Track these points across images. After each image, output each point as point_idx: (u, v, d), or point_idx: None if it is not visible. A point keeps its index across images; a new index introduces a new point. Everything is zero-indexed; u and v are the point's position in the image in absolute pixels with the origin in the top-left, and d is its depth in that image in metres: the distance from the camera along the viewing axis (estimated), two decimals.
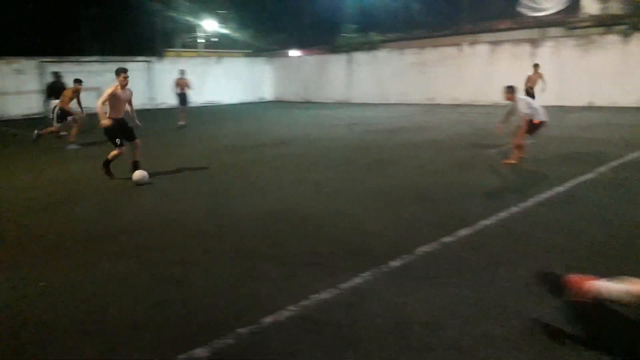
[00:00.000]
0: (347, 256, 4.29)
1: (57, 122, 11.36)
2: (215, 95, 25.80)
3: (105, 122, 7.28)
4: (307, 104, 25.03)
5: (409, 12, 27.13)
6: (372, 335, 2.99)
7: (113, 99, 7.32)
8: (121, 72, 7.45)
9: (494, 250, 4.32)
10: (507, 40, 19.84)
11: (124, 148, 7.56)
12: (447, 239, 4.59)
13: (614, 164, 7.63)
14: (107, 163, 7.67)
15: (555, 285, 3.58)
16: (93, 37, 25.20)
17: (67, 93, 11.30)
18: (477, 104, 19.70)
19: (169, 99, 23.68)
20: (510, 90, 7.96)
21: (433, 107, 19.35)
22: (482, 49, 20.04)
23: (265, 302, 3.46)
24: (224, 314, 3.32)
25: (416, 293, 3.53)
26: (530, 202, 5.71)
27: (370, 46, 25.22)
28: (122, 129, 7.59)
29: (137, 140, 7.73)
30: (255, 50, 31.27)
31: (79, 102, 11.68)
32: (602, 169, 7.31)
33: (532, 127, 7.89)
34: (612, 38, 16.93)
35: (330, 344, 2.91)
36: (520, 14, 24.12)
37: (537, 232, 4.76)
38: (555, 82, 15.56)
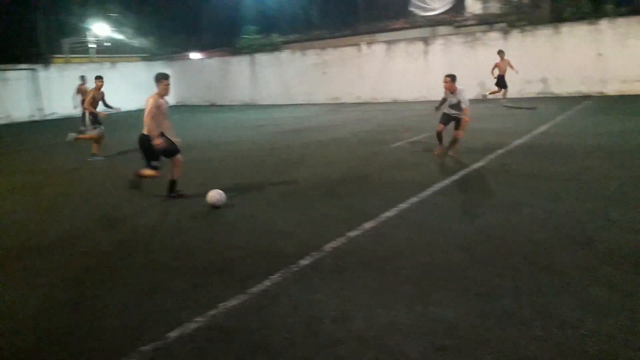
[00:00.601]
0: (257, 260, 4.25)
1: (92, 128, 10.38)
2: (112, 102, 24.34)
3: (158, 141, 6.13)
4: (212, 107, 24.48)
5: (308, 14, 27.57)
6: (283, 336, 2.99)
7: (156, 111, 6.19)
8: (162, 78, 6.27)
9: (396, 240, 4.51)
10: (402, 40, 20.79)
11: (159, 172, 6.49)
12: (353, 233, 4.71)
13: (501, 151, 8.27)
14: (136, 181, 6.71)
15: (452, 270, 3.82)
16: None
17: (91, 93, 10.31)
18: (377, 101, 20.45)
19: (59, 109, 22.11)
20: (452, 79, 7.83)
21: (337, 107, 19.77)
22: (379, 49, 20.81)
23: (171, 316, 3.32)
24: (126, 333, 3.14)
25: (325, 289, 3.59)
26: (428, 192, 6.03)
27: (273, 47, 25.24)
28: (164, 147, 6.34)
29: (179, 156, 6.49)
30: (152, 54, 29.94)
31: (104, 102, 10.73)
32: (491, 156, 7.90)
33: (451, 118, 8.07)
34: (494, 35, 18.37)
35: (239, 351, 2.87)
36: (412, 14, 25.48)
37: (435, 219, 5.03)
38: None
